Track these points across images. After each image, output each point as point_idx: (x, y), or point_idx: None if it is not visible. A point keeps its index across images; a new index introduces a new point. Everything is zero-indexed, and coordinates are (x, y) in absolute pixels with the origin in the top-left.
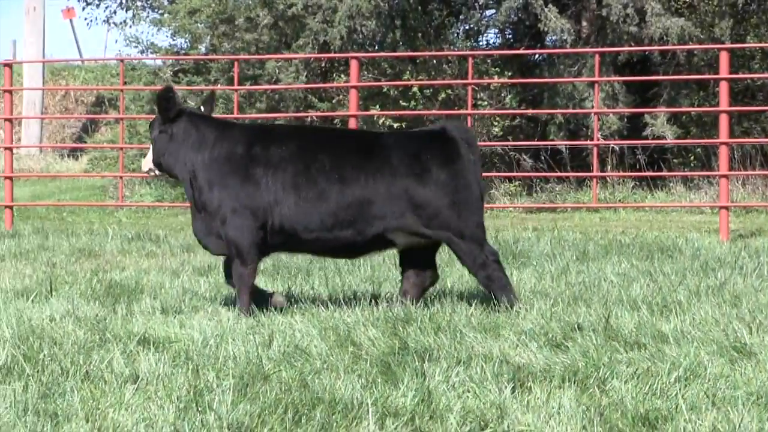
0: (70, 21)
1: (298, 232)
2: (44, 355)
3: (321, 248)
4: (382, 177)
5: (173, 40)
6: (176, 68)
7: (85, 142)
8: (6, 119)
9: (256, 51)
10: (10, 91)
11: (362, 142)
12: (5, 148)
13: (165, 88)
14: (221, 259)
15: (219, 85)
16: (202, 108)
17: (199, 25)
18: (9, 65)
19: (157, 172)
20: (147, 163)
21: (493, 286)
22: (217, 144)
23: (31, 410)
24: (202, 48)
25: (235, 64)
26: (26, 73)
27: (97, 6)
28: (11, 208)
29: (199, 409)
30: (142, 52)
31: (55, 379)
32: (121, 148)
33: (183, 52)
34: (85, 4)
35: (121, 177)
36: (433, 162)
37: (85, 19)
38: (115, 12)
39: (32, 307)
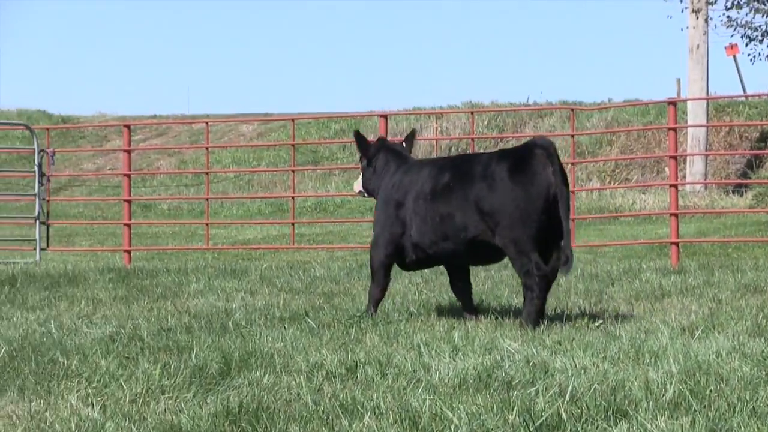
0: (734, 57)
1: (423, 248)
2: (711, 391)
3: (441, 259)
4: (463, 192)
5: None
6: None
7: (750, 178)
8: (671, 156)
9: None
10: (674, 129)
11: (464, 164)
12: (671, 186)
13: (353, 133)
14: None
15: None
16: (404, 144)
17: None
18: (674, 103)
19: (365, 195)
20: (357, 185)
21: (526, 296)
22: (395, 174)
23: None
24: None
25: None
26: (690, 110)
27: (761, 42)
28: (677, 244)
29: None
30: None
31: (722, 414)
32: None
33: None
34: (747, 40)
35: None
36: (500, 176)
37: (748, 55)
38: None
39: (698, 342)
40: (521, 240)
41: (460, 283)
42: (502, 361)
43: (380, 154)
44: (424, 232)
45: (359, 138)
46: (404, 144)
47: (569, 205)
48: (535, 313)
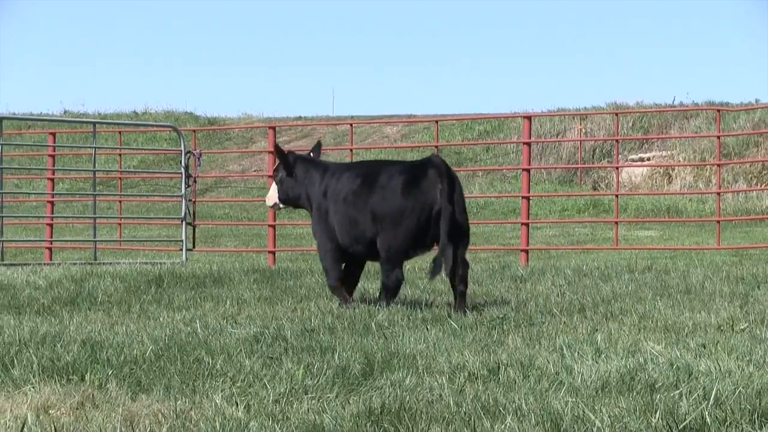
0: None
1: (346, 247)
2: None
3: (357, 258)
4: (365, 198)
5: None
6: None
7: None
8: None
9: None
10: None
11: (373, 171)
12: None
13: (274, 147)
14: None
15: None
16: (312, 154)
17: None
18: None
19: (281, 206)
20: (271, 199)
21: (382, 293)
22: (321, 181)
23: None
24: None
25: None
26: None
27: None
28: None
29: None
30: None
31: None
32: None
33: None
34: None
35: None
36: (393, 188)
37: None
38: None
39: None
40: (393, 249)
41: (351, 278)
42: (645, 363)
43: (298, 163)
44: (343, 234)
45: (279, 151)
46: (311, 154)
47: (459, 222)
48: (386, 302)
